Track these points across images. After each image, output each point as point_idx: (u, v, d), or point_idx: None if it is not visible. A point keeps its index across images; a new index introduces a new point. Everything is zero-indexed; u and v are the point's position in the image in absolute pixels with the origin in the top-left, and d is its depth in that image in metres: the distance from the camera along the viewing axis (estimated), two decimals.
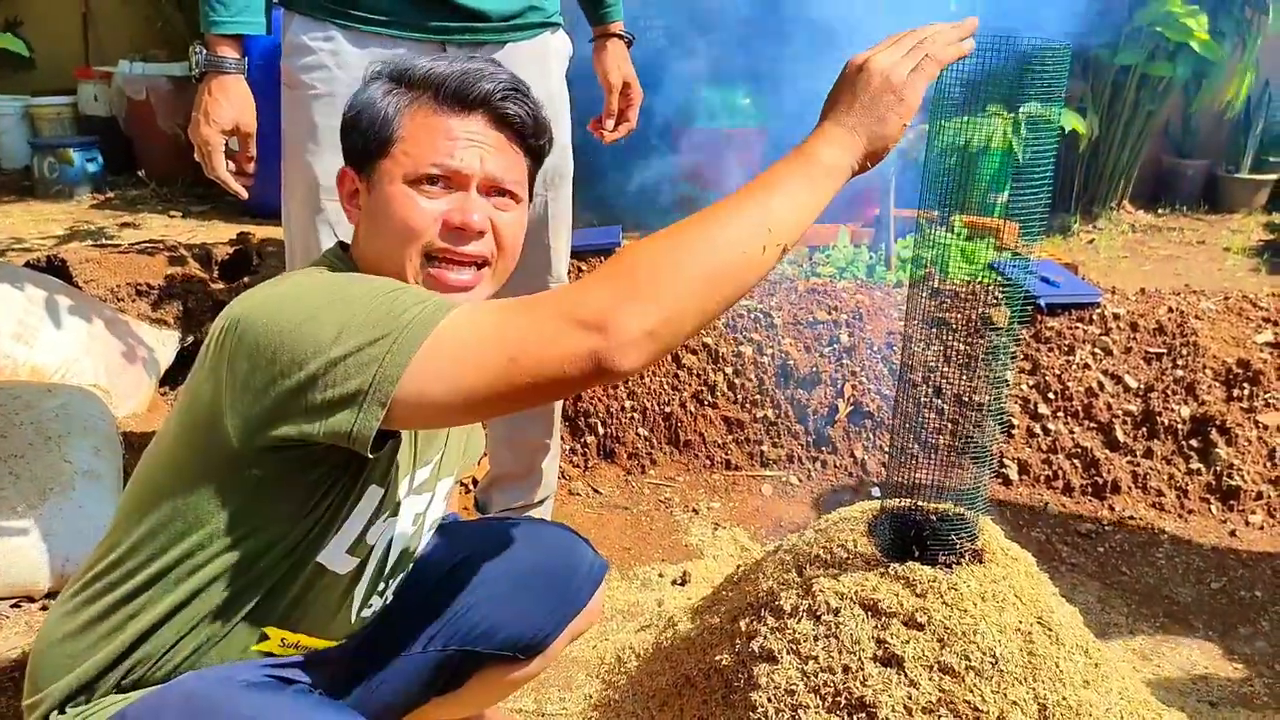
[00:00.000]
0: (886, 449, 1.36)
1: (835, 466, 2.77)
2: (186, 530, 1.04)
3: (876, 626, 1.30)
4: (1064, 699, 1.25)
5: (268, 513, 1.04)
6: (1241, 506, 2.58)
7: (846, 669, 1.28)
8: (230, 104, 1.67)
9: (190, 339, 3.13)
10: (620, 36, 2.06)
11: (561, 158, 1.90)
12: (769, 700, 1.30)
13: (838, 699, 1.26)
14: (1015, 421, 2.77)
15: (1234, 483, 2.60)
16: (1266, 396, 2.70)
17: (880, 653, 1.28)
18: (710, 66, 4.89)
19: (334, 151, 1.67)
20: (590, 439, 2.80)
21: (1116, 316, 2.90)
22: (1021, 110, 1.22)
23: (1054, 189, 1.30)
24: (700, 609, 1.73)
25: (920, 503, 1.37)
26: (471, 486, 2.53)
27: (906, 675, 1.25)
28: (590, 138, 2.10)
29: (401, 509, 1.21)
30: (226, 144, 1.70)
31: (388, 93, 1.12)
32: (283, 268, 2.22)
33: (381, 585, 1.25)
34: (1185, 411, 2.69)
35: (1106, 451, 2.69)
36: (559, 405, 2.17)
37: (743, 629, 1.44)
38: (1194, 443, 2.67)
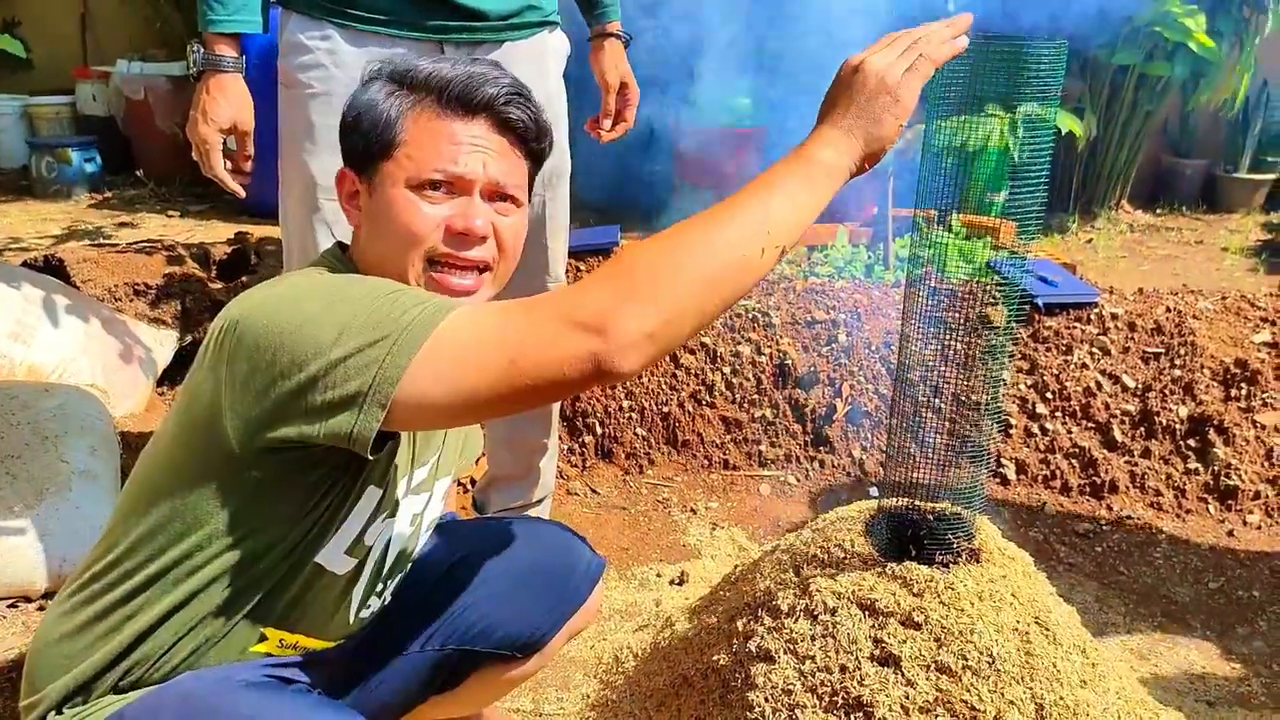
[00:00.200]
0: (884, 448, 1.36)
1: (833, 466, 2.77)
2: (185, 531, 1.04)
3: (874, 626, 1.30)
4: (1061, 698, 1.25)
5: (266, 514, 1.04)
6: (1239, 506, 2.58)
7: (844, 668, 1.28)
8: (228, 102, 1.67)
9: (188, 339, 3.13)
10: (617, 36, 2.06)
11: (559, 157, 1.90)
12: (766, 700, 1.30)
13: (835, 698, 1.26)
14: (1013, 421, 2.77)
15: (1232, 482, 2.60)
16: (1264, 396, 2.70)
17: (877, 652, 1.28)
18: (710, 67, 4.90)
19: (331, 151, 1.67)
20: (588, 439, 2.80)
21: (1114, 316, 2.90)
22: (1018, 110, 1.22)
23: (1052, 189, 1.30)
24: (698, 609, 1.72)
25: (918, 502, 1.37)
26: (469, 486, 2.53)
27: (903, 675, 1.25)
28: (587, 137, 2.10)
29: (400, 509, 1.21)
30: (224, 143, 1.70)
31: (390, 94, 1.11)
32: (281, 267, 2.21)
33: (379, 586, 1.25)
34: (1183, 411, 2.69)
35: (1104, 451, 2.69)
36: (556, 405, 2.17)
37: (740, 629, 1.44)
38: (1192, 442, 2.67)
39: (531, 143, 1.16)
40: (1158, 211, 5.68)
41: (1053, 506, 2.62)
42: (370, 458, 0.94)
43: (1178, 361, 2.78)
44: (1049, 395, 2.78)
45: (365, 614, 1.26)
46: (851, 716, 1.25)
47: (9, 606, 2.02)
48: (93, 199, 5.29)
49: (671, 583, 2.26)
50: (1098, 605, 2.24)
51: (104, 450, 2.25)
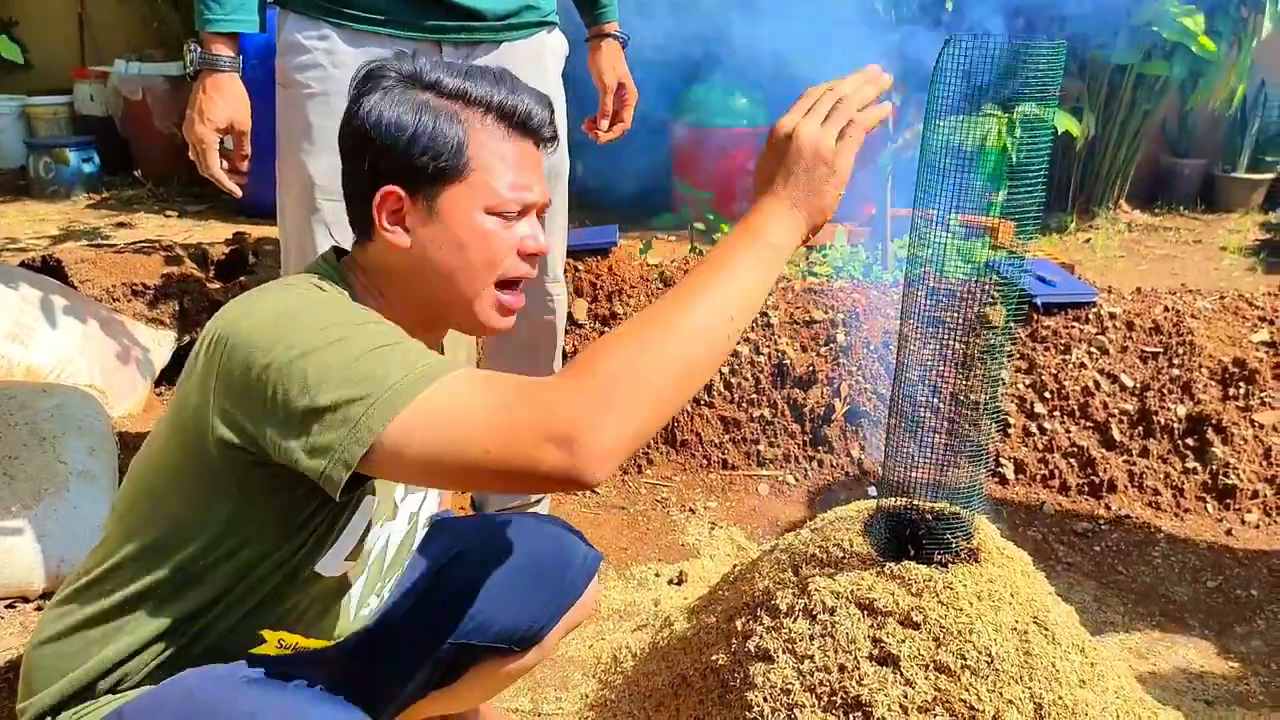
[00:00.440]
0: (883, 448, 1.36)
1: (832, 466, 2.77)
2: (180, 541, 1.05)
3: (872, 626, 1.30)
4: (1060, 698, 1.25)
5: (261, 526, 1.04)
6: (1237, 505, 2.59)
7: (842, 668, 1.28)
8: (225, 102, 1.67)
9: (186, 339, 3.13)
10: (615, 37, 2.05)
11: (559, 157, 1.90)
12: (765, 700, 1.30)
13: (833, 698, 1.26)
14: (1011, 420, 2.77)
15: (1230, 482, 2.60)
16: (1262, 395, 2.71)
17: (876, 652, 1.28)
18: (708, 66, 4.89)
19: (329, 151, 1.67)
20: None
21: (1113, 315, 2.90)
22: (1016, 110, 1.22)
23: (1050, 188, 1.30)
24: (696, 608, 1.72)
25: (916, 502, 1.37)
26: None
27: (902, 674, 1.25)
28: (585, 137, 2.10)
29: (399, 511, 1.22)
30: (221, 142, 1.69)
31: (447, 115, 1.08)
32: (278, 267, 2.21)
33: (379, 584, 1.25)
34: (1181, 410, 2.69)
35: (1103, 450, 2.69)
36: None
37: (739, 628, 1.44)
38: (1190, 442, 2.67)
39: (550, 155, 1.20)
40: (1156, 211, 5.69)
41: (1051, 506, 2.62)
42: (337, 499, 0.95)
43: (1176, 361, 2.79)
44: (1047, 395, 2.79)
45: (365, 613, 1.27)
46: (850, 716, 1.25)
47: (6, 607, 2.02)
48: (90, 199, 5.28)
49: (670, 582, 2.26)
50: (1096, 604, 2.24)
51: (102, 450, 2.25)
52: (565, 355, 2.72)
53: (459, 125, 1.08)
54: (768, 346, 2.90)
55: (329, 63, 1.69)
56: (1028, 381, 2.82)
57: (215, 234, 4.13)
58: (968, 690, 1.23)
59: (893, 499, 1.39)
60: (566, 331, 2.52)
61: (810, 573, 1.41)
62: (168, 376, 3.07)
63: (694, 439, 2.81)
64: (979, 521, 1.42)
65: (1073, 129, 4.78)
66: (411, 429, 0.90)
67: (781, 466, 2.78)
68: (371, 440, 0.90)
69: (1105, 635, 2.10)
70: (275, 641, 1.14)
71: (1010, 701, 1.23)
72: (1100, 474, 2.65)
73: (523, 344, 2.03)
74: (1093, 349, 2.84)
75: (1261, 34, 4.97)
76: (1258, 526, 2.55)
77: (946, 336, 1.31)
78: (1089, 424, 2.73)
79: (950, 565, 1.34)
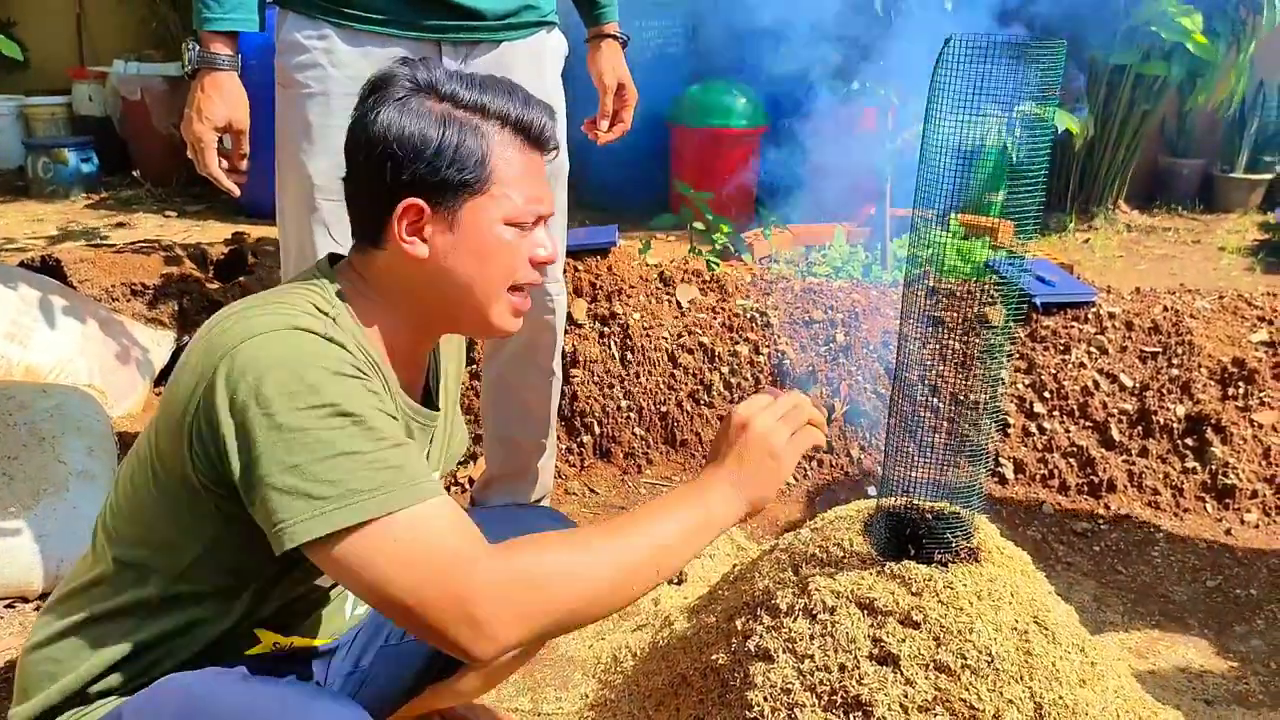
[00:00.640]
0: (883, 448, 1.36)
1: (831, 465, 2.77)
2: (170, 547, 1.05)
3: (872, 625, 1.30)
4: (1060, 697, 1.25)
5: (250, 531, 1.03)
6: (1237, 505, 2.59)
7: (842, 667, 1.28)
8: (223, 101, 1.66)
9: (185, 339, 3.13)
10: (615, 37, 2.05)
11: (559, 160, 1.90)
12: (765, 699, 1.30)
13: (834, 697, 1.26)
14: (1011, 420, 2.77)
15: (1229, 481, 2.60)
16: (1261, 395, 2.71)
17: (876, 651, 1.28)
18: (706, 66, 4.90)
19: (329, 151, 1.67)
20: (586, 439, 2.80)
21: (1112, 315, 2.90)
22: (1016, 109, 1.22)
23: (1049, 189, 1.30)
24: (696, 608, 1.72)
25: (916, 501, 1.37)
26: (468, 486, 2.53)
27: (902, 674, 1.25)
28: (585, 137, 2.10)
29: None
30: (220, 141, 1.69)
31: (474, 128, 1.09)
32: (278, 268, 2.21)
33: None
34: (1180, 410, 2.70)
35: (1102, 450, 2.69)
36: (554, 404, 2.17)
37: (739, 628, 1.44)
38: (1189, 441, 2.67)
39: (550, 163, 1.22)
40: (1155, 211, 5.69)
41: (1051, 505, 2.62)
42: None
43: (1175, 361, 2.79)
44: (1047, 394, 2.79)
45: (361, 610, 1.26)
46: (850, 715, 1.25)
47: (6, 607, 2.02)
48: (89, 199, 5.28)
49: (670, 582, 2.25)
50: (1096, 604, 2.24)
51: (101, 451, 2.24)
52: (564, 355, 2.72)
53: (480, 139, 1.09)
54: (767, 346, 2.90)
55: (328, 62, 1.69)
56: (1027, 381, 2.82)
57: (214, 234, 4.13)
58: (968, 690, 1.23)
59: (893, 498, 1.39)
60: (566, 331, 2.52)
61: (810, 572, 1.41)
62: (167, 376, 3.06)
63: (693, 439, 2.81)
64: (979, 521, 1.42)
65: (1073, 127, 4.78)
66: (358, 543, 0.94)
67: None
68: (309, 537, 0.94)
69: (1105, 635, 2.10)
70: (270, 643, 1.14)
71: (1010, 701, 1.23)
72: (1100, 474, 2.65)
73: (522, 344, 2.03)
74: (1092, 349, 2.84)
75: (1260, 34, 4.98)
76: (1257, 526, 2.55)
77: (946, 336, 1.31)
78: (1088, 424, 2.73)
79: (950, 565, 1.34)
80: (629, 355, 2.87)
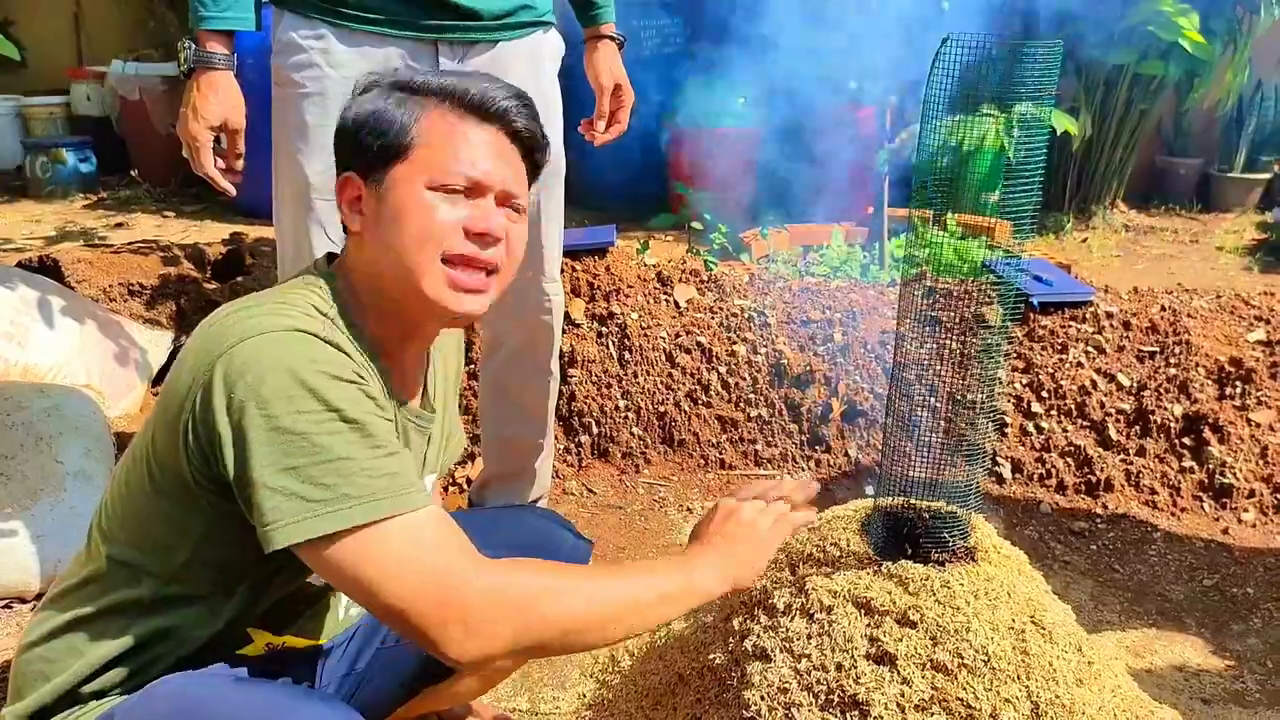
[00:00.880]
0: (880, 447, 1.36)
1: (829, 465, 2.77)
2: (164, 547, 1.05)
3: (869, 624, 1.30)
4: (1057, 696, 1.25)
5: (243, 530, 1.04)
6: (1234, 504, 2.59)
7: (840, 667, 1.28)
8: (219, 100, 1.66)
9: (183, 339, 3.12)
10: (611, 38, 2.05)
11: (555, 158, 1.89)
12: (762, 699, 1.30)
13: (831, 697, 1.26)
14: (1008, 420, 2.77)
15: (1226, 480, 2.60)
16: (1259, 394, 2.71)
17: (873, 651, 1.28)
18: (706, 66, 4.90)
19: (325, 151, 1.67)
20: (584, 438, 2.80)
21: (1109, 315, 2.90)
22: (1014, 109, 1.22)
23: (1047, 188, 1.30)
24: (694, 608, 1.72)
25: (913, 501, 1.37)
26: (466, 486, 2.53)
27: (899, 673, 1.25)
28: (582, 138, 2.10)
29: None
30: (216, 141, 1.69)
31: (400, 101, 1.11)
32: (275, 268, 2.21)
33: None
34: (1178, 410, 2.70)
35: (1099, 449, 2.69)
36: (553, 404, 2.17)
37: (736, 627, 1.44)
38: (1187, 441, 2.68)
39: (535, 154, 1.19)
40: (1152, 211, 5.70)
41: (1048, 505, 2.62)
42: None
43: (1173, 360, 2.79)
44: (1044, 394, 2.79)
45: (355, 610, 1.26)
46: (847, 715, 1.25)
47: (3, 607, 2.02)
48: (87, 199, 5.28)
49: None
50: (1093, 603, 2.24)
51: (98, 451, 2.24)
52: (562, 354, 2.72)
53: (406, 109, 1.10)
54: (765, 346, 2.90)
55: (325, 62, 1.69)
56: (1025, 381, 2.82)
57: (212, 234, 4.13)
58: (965, 689, 1.23)
59: (890, 498, 1.39)
60: (564, 331, 2.52)
61: (807, 572, 1.41)
62: (165, 377, 3.06)
63: (691, 439, 2.81)
64: (976, 520, 1.42)
65: (1070, 128, 4.78)
66: (359, 544, 0.96)
67: (779, 466, 2.78)
68: (299, 540, 0.95)
69: (1102, 633, 2.10)
70: (264, 644, 1.14)
71: (1007, 700, 1.23)
72: (1097, 473, 2.65)
73: (520, 344, 2.03)
74: (1089, 348, 2.85)
75: (1257, 33, 4.98)
76: (1254, 525, 2.55)
77: (943, 336, 1.31)
78: (1086, 423, 2.73)
79: (947, 564, 1.34)
80: (627, 355, 2.87)
